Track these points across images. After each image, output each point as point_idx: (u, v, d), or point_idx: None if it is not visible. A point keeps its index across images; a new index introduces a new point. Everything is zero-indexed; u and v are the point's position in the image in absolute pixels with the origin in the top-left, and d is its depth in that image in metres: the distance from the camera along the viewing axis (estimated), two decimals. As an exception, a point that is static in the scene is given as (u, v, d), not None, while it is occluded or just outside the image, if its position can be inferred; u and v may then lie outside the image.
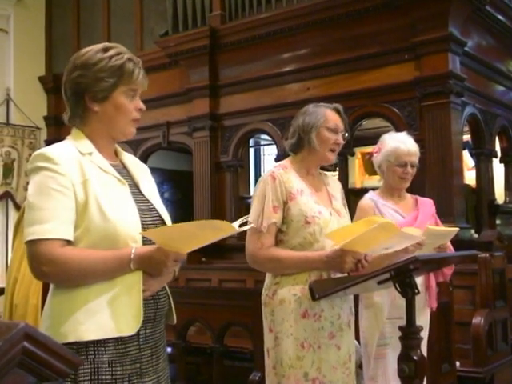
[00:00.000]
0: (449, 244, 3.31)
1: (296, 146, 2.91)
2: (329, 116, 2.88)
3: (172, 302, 2.09)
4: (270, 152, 10.20)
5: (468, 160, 7.85)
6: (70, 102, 2.03)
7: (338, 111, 2.93)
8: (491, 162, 7.11)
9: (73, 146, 1.97)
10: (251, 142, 8.54)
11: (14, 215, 8.50)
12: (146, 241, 1.93)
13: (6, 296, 2.75)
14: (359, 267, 2.63)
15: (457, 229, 3.29)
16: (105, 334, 1.83)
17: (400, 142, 3.41)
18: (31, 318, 2.59)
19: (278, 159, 6.69)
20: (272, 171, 2.83)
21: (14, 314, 2.65)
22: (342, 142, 2.90)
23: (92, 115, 2.01)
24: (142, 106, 2.05)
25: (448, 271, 3.43)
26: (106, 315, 1.84)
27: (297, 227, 2.72)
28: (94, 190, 1.88)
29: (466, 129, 6.82)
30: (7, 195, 8.79)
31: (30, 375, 1.17)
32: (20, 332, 1.13)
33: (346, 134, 2.95)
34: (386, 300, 3.24)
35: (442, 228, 3.36)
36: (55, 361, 1.19)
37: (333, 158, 2.92)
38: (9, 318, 2.67)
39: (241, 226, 1.93)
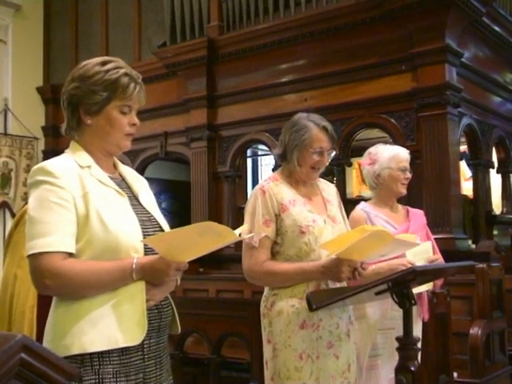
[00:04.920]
0: (439, 256, 3.35)
1: (282, 158, 2.89)
2: (314, 137, 2.78)
3: (176, 311, 2.09)
4: (267, 162, 10.21)
5: (465, 170, 7.87)
6: (66, 114, 2.04)
7: (326, 130, 2.81)
8: (488, 172, 7.13)
9: (72, 160, 1.97)
10: (249, 152, 8.55)
11: (11, 225, 8.48)
12: (147, 251, 1.93)
13: (2, 311, 2.73)
14: (356, 275, 2.62)
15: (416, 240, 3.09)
16: (110, 345, 1.83)
17: (397, 149, 3.56)
18: (27, 331, 2.57)
19: (275, 169, 6.68)
20: (262, 185, 2.81)
21: (12, 329, 2.63)
22: (326, 163, 2.84)
23: (86, 128, 2.01)
24: (136, 121, 2.04)
25: (439, 281, 3.47)
26: (110, 326, 1.84)
27: (292, 238, 2.71)
28: (94, 203, 1.89)
29: (463, 139, 6.84)
30: (4, 205, 8.79)
31: (28, 387, 1.17)
32: (18, 343, 1.13)
33: (333, 153, 2.86)
34: (377, 311, 3.25)
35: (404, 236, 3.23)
36: (52, 372, 1.19)
37: (314, 175, 2.87)
38: (7, 330, 2.65)
39: (240, 234, 1.93)
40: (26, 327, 2.58)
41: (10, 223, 8.63)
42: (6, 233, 8.41)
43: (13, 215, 8.65)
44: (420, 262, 3.20)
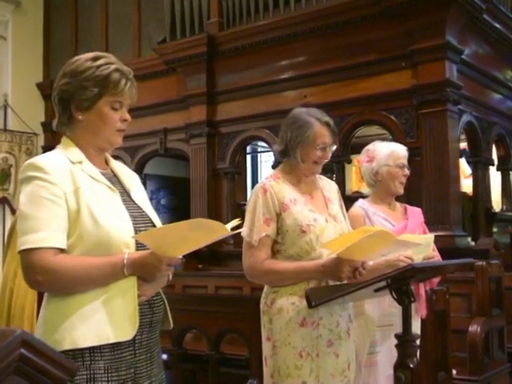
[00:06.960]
0: (436, 253, 3.35)
1: (283, 154, 2.88)
2: (317, 133, 2.77)
3: (167, 307, 2.09)
4: (266, 159, 10.20)
5: (465, 168, 7.87)
6: (57, 109, 2.04)
7: (328, 125, 2.81)
8: (488, 169, 7.13)
9: (63, 155, 1.98)
10: (248, 148, 8.54)
11: (10, 221, 8.49)
12: (139, 246, 1.93)
13: (1, 306, 2.74)
14: (356, 275, 2.62)
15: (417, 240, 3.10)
16: (101, 341, 1.84)
17: (394, 146, 3.57)
18: (27, 326, 2.58)
19: (274, 166, 6.69)
20: (263, 183, 2.81)
21: (12, 324, 2.64)
22: (328, 158, 2.84)
23: (77, 123, 2.02)
24: (127, 117, 2.05)
25: (435, 279, 3.47)
26: (101, 321, 1.84)
27: (293, 237, 2.70)
28: (85, 199, 1.89)
29: (463, 137, 6.83)
30: (4, 201, 8.79)
31: (27, 382, 1.16)
32: (17, 339, 1.13)
33: (334, 147, 2.86)
34: (376, 308, 3.25)
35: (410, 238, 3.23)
36: (52, 368, 1.19)
37: (317, 170, 2.87)
38: (6, 325, 2.66)
39: (232, 229, 1.93)
40: (25, 322, 2.59)
41: (9, 219, 8.63)
42: (6, 228, 8.38)
43: (13, 211, 8.64)
44: (421, 254, 3.19)
